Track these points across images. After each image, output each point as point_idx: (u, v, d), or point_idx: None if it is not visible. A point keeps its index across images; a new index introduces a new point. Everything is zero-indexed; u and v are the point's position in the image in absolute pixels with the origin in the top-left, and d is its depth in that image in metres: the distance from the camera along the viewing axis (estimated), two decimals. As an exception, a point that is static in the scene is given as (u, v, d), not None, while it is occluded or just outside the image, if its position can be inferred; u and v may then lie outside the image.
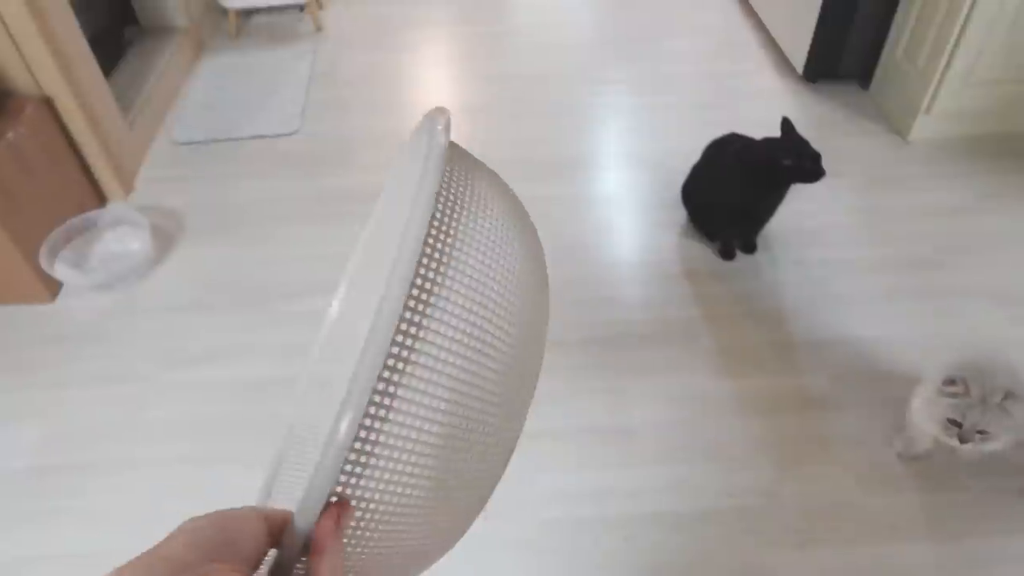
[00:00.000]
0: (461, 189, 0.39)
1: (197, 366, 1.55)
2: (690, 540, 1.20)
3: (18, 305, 1.68)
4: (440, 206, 0.37)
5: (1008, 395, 1.05)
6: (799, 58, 2.27)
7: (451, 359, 0.35)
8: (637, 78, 2.38)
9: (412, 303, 0.34)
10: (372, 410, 0.33)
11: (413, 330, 0.34)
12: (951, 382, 1.08)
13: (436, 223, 0.36)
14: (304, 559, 0.35)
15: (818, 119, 2.15)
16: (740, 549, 1.19)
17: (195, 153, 2.13)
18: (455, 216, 0.37)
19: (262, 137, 2.16)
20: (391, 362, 0.34)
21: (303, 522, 0.33)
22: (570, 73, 2.42)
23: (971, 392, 1.06)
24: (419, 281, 0.34)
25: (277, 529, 0.37)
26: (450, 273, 0.36)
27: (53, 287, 1.69)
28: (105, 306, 1.68)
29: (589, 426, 1.38)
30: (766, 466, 1.29)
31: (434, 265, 0.35)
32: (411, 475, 0.36)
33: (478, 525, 0.45)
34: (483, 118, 2.22)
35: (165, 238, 1.84)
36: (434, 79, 2.49)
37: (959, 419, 1.07)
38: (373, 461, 0.34)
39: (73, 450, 1.41)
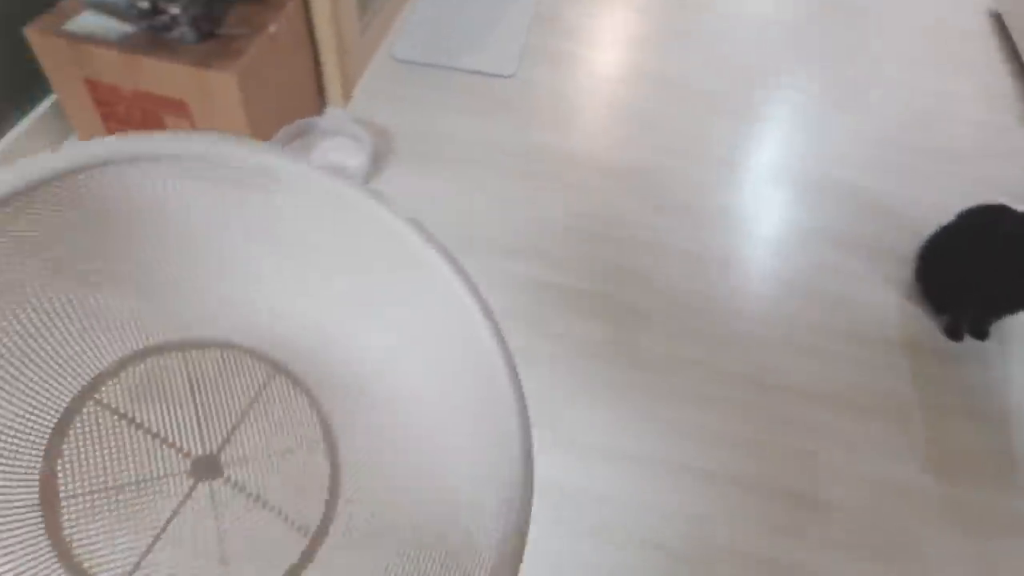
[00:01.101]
0: None
1: (392, 300, 1.55)
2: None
3: (236, 192, 1.71)
4: None
5: None
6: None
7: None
8: (878, 111, 2.19)
9: None
10: None
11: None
12: None
13: None
14: None
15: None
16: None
17: (412, 73, 2.10)
18: None
19: (479, 73, 2.11)
20: None
21: None
22: (776, 68, 2.25)
23: None
24: None
25: None
26: None
27: (269, 182, 1.72)
28: (313, 214, 1.70)
29: (775, 485, 1.32)
30: (969, 587, 1.21)
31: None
32: None
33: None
34: (675, 88, 2.10)
35: (376, 157, 1.83)
36: (653, 43, 2.35)
37: None
38: None
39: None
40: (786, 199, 1.86)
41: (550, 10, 2.40)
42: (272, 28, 1.56)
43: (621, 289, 1.61)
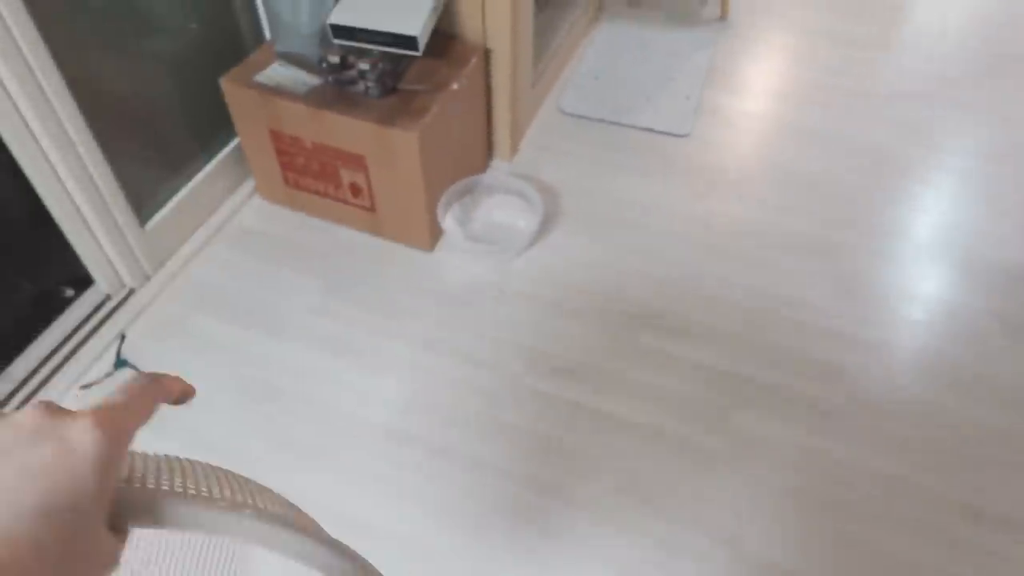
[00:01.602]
0: None
1: (554, 379, 1.45)
2: None
3: (403, 245, 1.68)
4: None
5: None
6: None
7: None
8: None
9: None
10: None
11: None
12: None
13: None
14: None
15: None
16: None
17: (579, 128, 2.02)
18: None
19: (650, 131, 2.00)
20: None
21: None
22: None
23: None
24: None
25: None
26: None
27: (436, 237, 1.68)
28: (476, 274, 1.64)
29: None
30: None
31: None
32: None
33: None
34: (853, 152, 1.88)
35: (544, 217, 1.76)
36: (829, 103, 2.16)
37: None
38: None
39: (428, 425, 1.38)
40: (978, 288, 1.62)
41: (727, 64, 2.27)
42: (455, 86, 1.52)
43: (800, 381, 1.44)
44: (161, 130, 1.60)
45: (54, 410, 0.28)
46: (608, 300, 1.59)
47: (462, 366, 1.47)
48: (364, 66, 1.47)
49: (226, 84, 1.54)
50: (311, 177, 1.63)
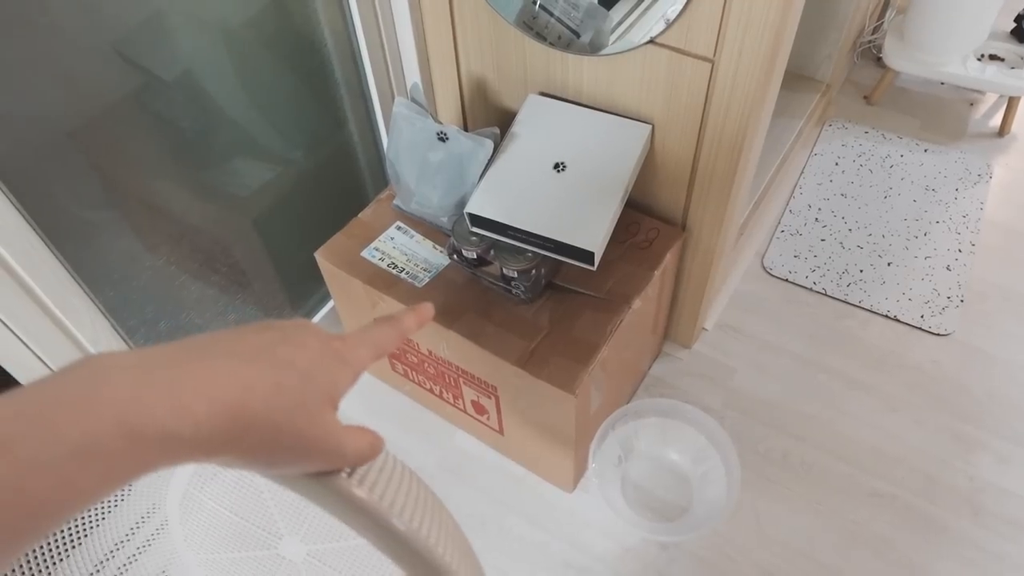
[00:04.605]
0: None
1: None
2: None
3: (540, 480, 1.24)
4: None
5: None
6: None
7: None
8: None
9: None
10: None
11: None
12: None
13: None
14: None
15: None
16: None
17: (789, 300, 1.48)
18: None
19: (893, 320, 1.44)
20: None
21: None
22: None
23: None
24: None
25: None
26: None
27: (581, 473, 1.22)
28: (629, 546, 1.17)
29: None
30: None
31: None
32: None
33: None
34: None
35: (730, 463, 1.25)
36: None
37: None
38: None
39: None
40: None
41: (1012, 214, 1.63)
42: (638, 302, 1.05)
43: None
44: (248, 285, 1.24)
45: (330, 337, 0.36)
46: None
47: None
48: (512, 273, 1.02)
49: (323, 262, 1.14)
50: (424, 376, 1.22)
